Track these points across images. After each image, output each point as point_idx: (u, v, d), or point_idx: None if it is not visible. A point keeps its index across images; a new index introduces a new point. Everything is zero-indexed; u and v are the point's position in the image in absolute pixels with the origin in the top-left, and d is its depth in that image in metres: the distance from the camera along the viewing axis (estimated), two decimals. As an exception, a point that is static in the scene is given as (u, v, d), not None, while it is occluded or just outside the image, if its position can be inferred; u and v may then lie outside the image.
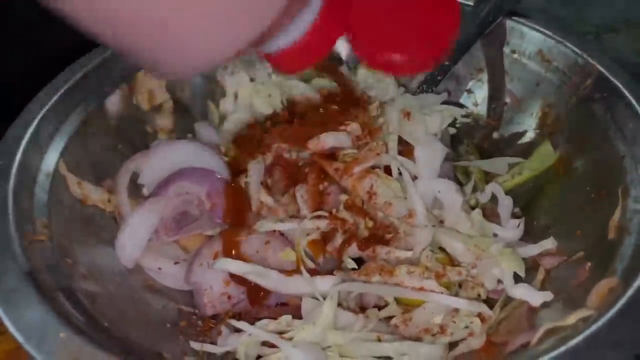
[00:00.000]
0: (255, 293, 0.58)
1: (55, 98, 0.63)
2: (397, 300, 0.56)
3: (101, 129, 0.67)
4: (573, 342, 0.40)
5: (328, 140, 0.63)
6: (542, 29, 0.71)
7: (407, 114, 0.66)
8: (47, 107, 0.62)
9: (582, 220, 0.58)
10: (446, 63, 0.74)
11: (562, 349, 0.39)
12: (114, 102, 0.69)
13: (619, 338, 0.40)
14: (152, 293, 0.58)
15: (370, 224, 0.61)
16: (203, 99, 0.80)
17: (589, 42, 0.69)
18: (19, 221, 0.50)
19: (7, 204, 0.51)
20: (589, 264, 0.52)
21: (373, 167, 0.63)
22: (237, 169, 0.65)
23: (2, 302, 0.43)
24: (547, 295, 0.52)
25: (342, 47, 0.83)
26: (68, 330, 0.41)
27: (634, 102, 0.59)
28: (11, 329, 0.42)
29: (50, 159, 0.59)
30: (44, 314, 0.42)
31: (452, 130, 0.75)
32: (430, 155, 0.63)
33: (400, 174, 0.62)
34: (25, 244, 0.48)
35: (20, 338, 0.41)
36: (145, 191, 0.67)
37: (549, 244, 0.58)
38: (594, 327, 0.41)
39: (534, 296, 0.53)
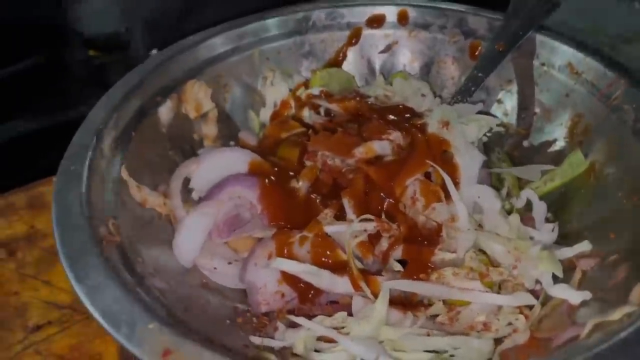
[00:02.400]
0: (306, 292, 0.61)
1: (113, 107, 0.67)
2: (443, 300, 0.59)
3: (155, 136, 0.71)
4: (623, 335, 0.43)
5: (374, 148, 0.67)
6: (571, 43, 0.75)
7: (446, 124, 0.69)
8: (106, 116, 0.65)
9: (615, 225, 0.61)
10: (479, 75, 0.77)
11: (613, 341, 0.43)
12: (165, 111, 0.73)
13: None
14: (210, 291, 0.62)
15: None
16: (244, 108, 0.84)
17: (616, 54, 0.72)
18: (95, 221, 0.54)
19: (83, 205, 0.54)
20: (626, 265, 0.55)
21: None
22: (286, 174, 0.68)
23: (90, 297, 0.47)
24: (586, 294, 0.55)
25: (377, 58, 0.87)
26: (156, 322, 0.44)
27: (662, 111, 0.63)
28: (101, 321, 0.45)
29: (114, 165, 0.63)
30: (130, 307, 0.46)
31: (484, 139, 0.78)
32: (469, 162, 0.67)
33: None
34: (103, 245, 0.52)
35: (110, 329, 0.44)
36: (194, 195, 0.71)
37: (584, 246, 0.61)
38: (640, 322, 0.44)
39: (573, 295, 0.56)
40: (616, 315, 0.47)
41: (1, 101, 1.09)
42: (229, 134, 0.81)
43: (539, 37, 0.78)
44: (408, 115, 0.73)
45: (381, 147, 0.68)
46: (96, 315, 0.45)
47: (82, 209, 0.54)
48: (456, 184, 0.65)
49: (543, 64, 0.78)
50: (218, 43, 0.80)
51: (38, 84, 1.09)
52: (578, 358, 0.42)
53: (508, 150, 0.79)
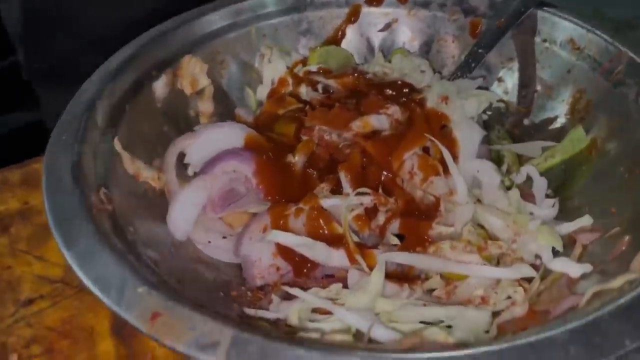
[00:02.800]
0: (302, 265, 0.60)
1: (107, 79, 0.66)
2: (440, 274, 0.58)
3: (150, 111, 0.70)
4: (623, 301, 0.42)
5: (371, 122, 0.66)
6: (573, 18, 0.74)
7: (445, 98, 0.68)
8: (101, 87, 0.64)
9: (616, 199, 0.60)
10: (479, 51, 0.76)
11: (613, 307, 0.42)
12: (160, 86, 0.72)
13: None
14: (203, 265, 0.61)
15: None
16: (241, 85, 0.83)
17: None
18: (86, 190, 0.53)
19: (74, 173, 0.53)
20: (628, 237, 0.54)
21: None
22: (282, 149, 0.67)
23: (78, 262, 0.46)
24: (587, 267, 0.54)
25: (376, 36, 0.86)
26: (146, 286, 0.43)
27: (665, 86, 0.62)
28: (90, 286, 0.44)
29: (107, 136, 0.62)
30: (120, 272, 0.45)
31: (484, 117, 0.77)
32: (468, 137, 0.66)
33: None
34: (93, 212, 0.51)
35: (99, 294, 0.43)
36: (190, 171, 0.70)
37: (585, 220, 0.60)
38: (641, 288, 0.43)
39: (573, 268, 0.55)
40: (617, 283, 0.46)
41: (2, 92, 1.09)
42: (225, 111, 0.79)
43: (540, 13, 0.76)
44: (407, 90, 0.72)
45: (379, 121, 0.67)
46: (85, 280, 0.45)
47: (72, 177, 0.53)
48: (455, 159, 0.64)
49: (544, 41, 0.76)
50: (215, 19, 0.79)
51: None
52: (577, 324, 0.40)
53: (508, 129, 0.78)
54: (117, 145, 0.62)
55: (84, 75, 0.65)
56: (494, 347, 0.39)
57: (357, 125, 0.66)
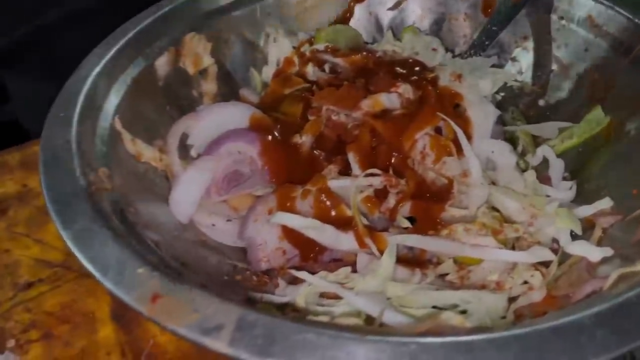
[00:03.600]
0: (309, 249, 0.58)
1: (108, 55, 0.64)
2: (453, 258, 0.56)
3: (151, 89, 0.68)
4: (651, 284, 0.40)
5: (382, 100, 0.63)
6: (591, -5, 0.71)
7: (458, 77, 0.66)
8: (101, 65, 0.62)
9: (638, 180, 0.58)
10: (493, 28, 0.73)
11: (640, 289, 0.39)
12: (162, 64, 0.69)
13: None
14: (207, 248, 0.59)
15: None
16: (245, 66, 0.80)
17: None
18: (84, 168, 0.51)
19: (72, 151, 0.51)
20: (651, 219, 0.52)
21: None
22: (288, 129, 0.65)
23: (75, 242, 0.44)
24: (607, 251, 0.52)
25: (385, 15, 0.83)
26: (146, 267, 0.41)
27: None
28: (87, 264, 0.42)
29: (107, 114, 0.59)
30: (119, 252, 0.43)
31: (498, 98, 0.75)
32: (482, 116, 0.63)
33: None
34: (92, 190, 0.49)
35: (96, 274, 0.41)
36: (193, 152, 0.68)
37: (605, 203, 0.58)
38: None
39: (593, 252, 0.52)
40: (642, 265, 0.44)
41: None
42: (229, 92, 0.77)
43: (557, -11, 0.73)
44: (418, 68, 0.69)
45: (389, 100, 0.64)
46: (82, 259, 0.42)
47: (70, 155, 0.51)
48: (469, 139, 0.62)
49: (561, 18, 0.73)
50: (219, -4, 0.76)
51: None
52: (603, 307, 0.38)
53: (523, 110, 0.75)
54: (118, 123, 0.60)
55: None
56: (515, 332, 0.36)
57: (367, 105, 0.63)
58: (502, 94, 0.75)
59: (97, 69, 0.61)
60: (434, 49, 0.74)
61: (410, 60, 0.70)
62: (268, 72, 0.80)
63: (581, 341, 0.35)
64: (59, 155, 0.51)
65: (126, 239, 0.45)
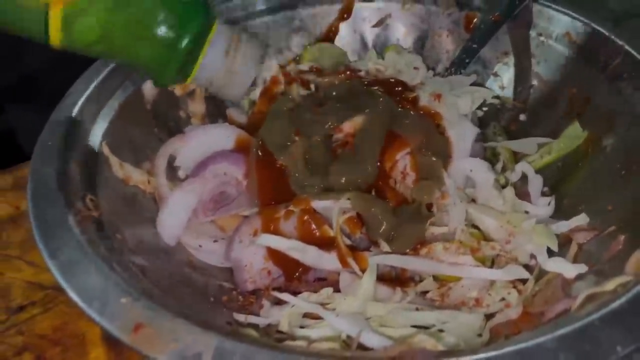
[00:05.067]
0: (294, 269, 0.59)
1: (95, 82, 0.65)
2: (434, 276, 0.58)
3: (139, 113, 0.69)
4: (615, 305, 0.41)
5: (362, 122, 0.64)
6: (569, 12, 0.72)
7: (438, 96, 0.67)
8: (88, 91, 0.64)
9: (613, 196, 0.59)
10: (473, 46, 0.75)
11: (605, 311, 0.41)
12: (149, 87, 0.71)
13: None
14: (194, 269, 0.60)
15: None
16: (233, 85, 0.81)
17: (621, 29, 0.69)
18: (71, 197, 0.52)
19: (60, 180, 0.53)
20: (623, 236, 0.53)
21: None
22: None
23: (62, 271, 0.45)
24: (581, 268, 0.53)
25: (370, 32, 0.84)
26: (129, 297, 0.43)
27: (662, 80, 0.60)
28: (72, 295, 0.44)
29: (94, 141, 0.61)
30: (103, 282, 0.44)
31: (479, 113, 0.76)
32: (461, 135, 0.65)
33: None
34: (78, 219, 0.50)
35: (82, 305, 0.43)
36: (181, 173, 0.69)
37: (581, 219, 0.59)
38: (635, 291, 0.42)
39: (568, 268, 0.54)
40: (610, 285, 0.45)
41: None
42: (217, 112, 0.79)
43: (536, 7, 0.75)
44: (399, 88, 0.70)
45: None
46: (68, 290, 0.44)
47: (58, 184, 0.52)
48: (449, 157, 0.63)
49: (540, 34, 0.75)
50: (204, 18, 0.78)
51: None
52: (567, 330, 0.39)
53: (505, 125, 0.77)
54: (105, 149, 0.61)
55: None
56: (482, 356, 0.38)
57: (348, 126, 0.65)
58: (485, 109, 0.77)
59: (85, 96, 0.63)
60: (415, 68, 0.75)
61: (392, 80, 0.72)
62: (256, 90, 0.81)
63: (544, 365, 0.37)
64: (48, 184, 0.52)
65: (111, 267, 0.46)
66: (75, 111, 0.61)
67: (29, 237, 0.68)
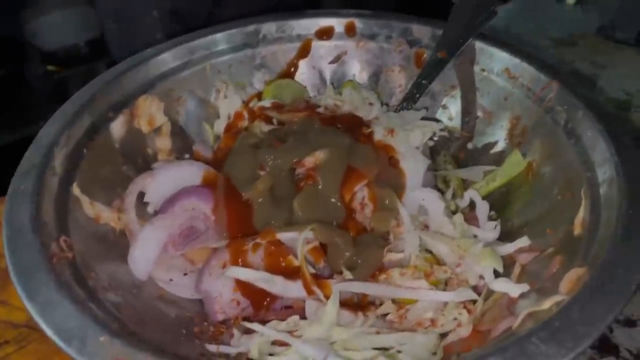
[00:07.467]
0: (261, 299, 0.63)
1: (64, 124, 0.67)
2: (393, 299, 0.62)
3: (108, 152, 0.72)
4: (550, 322, 0.46)
5: (322, 157, 0.69)
6: (508, 50, 0.79)
7: (391, 131, 0.72)
8: (58, 133, 0.66)
9: (551, 220, 0.65)
10: (423, 82, 0.81)
11: (541, 328, 0.46)
12: (117, 127, 0.74)
13: (587, 316, 0.46)
14: (166, 303, 0.63)
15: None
16: (198, 121, 0.85)
17: (550, 59, 0.76)
18: (45, 240, 0.54)
19: (33, 223, 0.55)
20: (559, 257, 0.59)
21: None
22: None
23: (40, 313, 0.47)
24: (524, 287, 0.59)
25: (328, 68, 0.90)
26: (107, 334, 0.45)
27: (590, 113, 0.67)
28: (52, 336, 0.46)
29: (65, 182, 0.63)
30: (81, 321, 0.47)
31: (430, 143, 0.82)
32: (414, 167, 0.70)
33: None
34: (53, 261, 0.53)
35: (62, 344, 0.45)
36: (150, 209, 0.72)
37: (524, 242, 0.65)
38: (566, 309, 0.47)
39: (513, 288, 0.59)
40: (546, 304, 0.51)
41: None
42: (183, 147, 0.82)
43: (478, 44, 0.82)
44: (356, 123, 0.75)
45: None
46: (48, 330, 0.46)
47: (32, 227, 0.55)
48: (402, 188, 0.68)
49: (483, 70, 0.82)
50: (169, 58, 0.81)
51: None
52: (509, 345, 0.44)
53: (454, 153, 0.83)
54: (76, 190, 0.64)
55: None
56: (434, 374, 0.42)
57: (310, 161, 0.69)
58: (436, 139, 0.82)
59: (54, 139, 0.65)
60: (370, 103, 0.81)
61: (349, 116, 0.77)
62: (220, 126, 0.85)
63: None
64: (22, 228, 0.54)
65: (87, 307, 0.49)
66: (45, 154, 0.63)
67: (0, 276, 0.69)
